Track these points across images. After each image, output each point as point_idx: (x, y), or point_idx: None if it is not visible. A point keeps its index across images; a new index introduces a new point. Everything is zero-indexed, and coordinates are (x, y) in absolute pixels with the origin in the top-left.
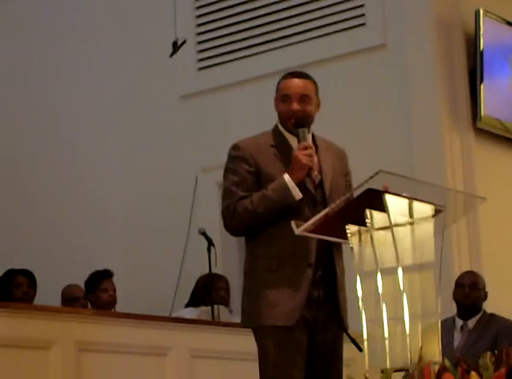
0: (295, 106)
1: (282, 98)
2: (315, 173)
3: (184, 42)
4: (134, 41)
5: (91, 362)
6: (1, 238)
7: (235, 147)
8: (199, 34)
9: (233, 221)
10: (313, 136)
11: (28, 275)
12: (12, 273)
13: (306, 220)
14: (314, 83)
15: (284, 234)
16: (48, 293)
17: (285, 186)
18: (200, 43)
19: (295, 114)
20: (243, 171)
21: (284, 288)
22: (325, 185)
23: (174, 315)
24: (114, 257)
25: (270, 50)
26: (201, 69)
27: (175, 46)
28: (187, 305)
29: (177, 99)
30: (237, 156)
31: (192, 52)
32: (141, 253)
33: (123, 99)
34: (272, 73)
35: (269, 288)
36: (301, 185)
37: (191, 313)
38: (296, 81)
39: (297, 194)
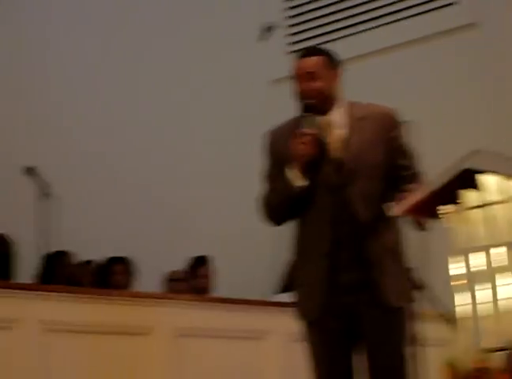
0: (300, 87)
1: (293, 79)
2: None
3: (274, 26)
4: (225, 25)
5: (190, 348)
6: (101, 226)
7: (264, 136)
8: (289, 17)
9: (262, 214)
10: (348, 106)
11: (127, 263)
12: (111, 261)
13: (324, 207)
14: (323, 55)
15: (303, 223)
16: (148, 279)
17: (286, 176)
18: (290, 26)
19: (301, 96)
20: (267, 163)
21: (304, 282)
22: (349, 166)
23: (271, 300)
24: (212, 242)
25: (359, 32)
26: (291, 52)
27: (265, 30)
28: (284, 290)
29: (267, 83)
30: (264, 147)
31: (282, 36)
32: (238, 238)
33: (214, 84)
34: (362, 55)
35: (297, 282)
36: (314, 170)
37: (289, 297)
38: (299, 62)
39: (297, 183)
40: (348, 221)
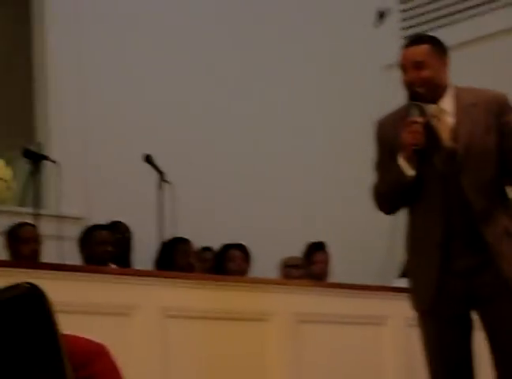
0: (407, 76)
1: (401, 69)
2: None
3: (388, 11)
4: (339, 10)
5: (308, 333)
6: (217, 213)
7: (374, 124)
8: (403, 2)
9: (374, 202)
10: (457, 93)
11: (243, 249)
12: (227, 247)
13: (436, 196)
14: (431, 43)
15: (415, 212)
16: (265, 266)
17: (396, 165)
18: (404, 11)
19: (408, 85)
20: (378, 152)
21: (417, 272)
22: (461, 154)
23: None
24: (327, 227)
25: (472, 16)
26: (404, 37)
27: (380, 16)
28: (401, 276)
29: (380, 68)
30: (374, 136)
31: (396, 21)
32: (353, 223)
33: (327, 69)
34: (474, 39)
35: (410, 272)
36: (424, 159)
37: (406, 283)
38: (406, 51)
39: (407, 172)
40: (461, 210)
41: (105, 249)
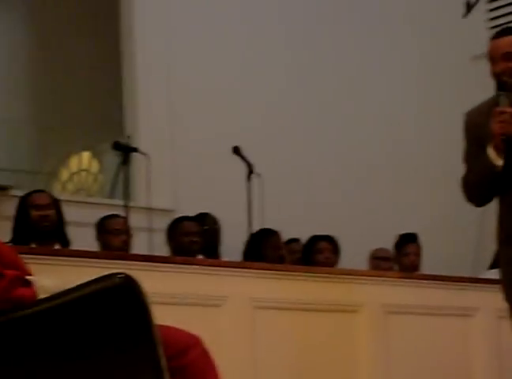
0: (496, 67)
1: (489, 60)
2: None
3: (477, 1)
4: (428, 2)
5: (397, 324)
6: (305, 205)
7: (462, 116)
8: None
9: (464, 194)
10: None
11: (331, 241)
12: (315, 239)
13: None
14: None
15: (504, 204)
16: (353, 258)
17: (485, 156)
18: (491, 1)
19: (497, 76)
20: (467, 143)
21: (506, 265)
22: None
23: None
24: (418, 218)
25: None
26: (492, 27)
27: (468, 6)
28: (492, 267)
29: (468, 59)
30: (463, 127)
31: (484, 11)
32: (444, 214)
33: (416, 61)
34: None
35: (501, 263)
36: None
37: (496, 274)
38: (496, 42)
39: (497, 162)
40: None
41: (192, 240)
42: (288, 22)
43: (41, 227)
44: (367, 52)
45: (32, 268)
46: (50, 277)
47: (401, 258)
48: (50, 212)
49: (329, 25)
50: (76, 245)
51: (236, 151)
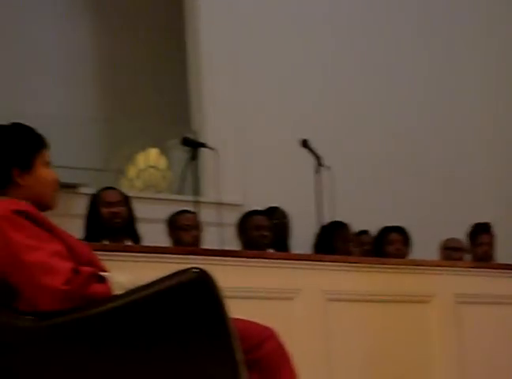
0: None
1: None
2: None
3: None
4: None
5: (469, 314)
6: (375, 196)
7: None
8: None
9: None
10: None
11: (402, 232)
12: (386, 230)
13: None
14: None
15: None
16: (425, 248)
17: None
18: None
19: None
20: None
21: None
22: None
23: None
24: (487, 208)
25: None
26: None
27: None
28: None
29: None
30: None
31: None
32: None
33: (493, 55)
34: None
35: None
36: None
37: None
38: None
39: None
40: None
41: (262, 234)
42: (359, 16)
43: (112, 224)
44: (437, 47)
45: (105, 264)
46: (124, 273)
47: (475, 248)
48: (121, 209)
49: (399, 17)
50: (146, 241)
51: (305, 144)
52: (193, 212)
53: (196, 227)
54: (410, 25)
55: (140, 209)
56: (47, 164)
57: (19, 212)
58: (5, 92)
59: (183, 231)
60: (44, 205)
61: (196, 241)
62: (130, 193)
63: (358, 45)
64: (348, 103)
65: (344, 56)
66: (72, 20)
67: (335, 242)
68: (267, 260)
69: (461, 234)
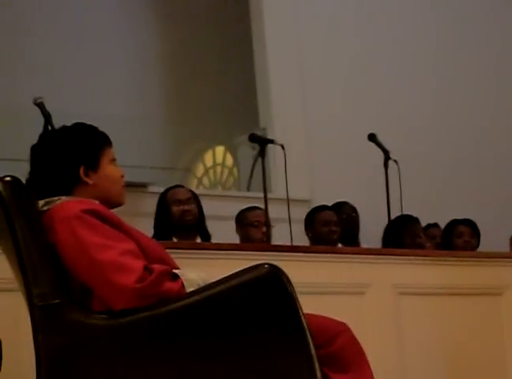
0: None
1: None
2: None
3: None
4: None
5: None
6: (443, 189)
7: None
8: None
9: None
10: None
11: (471, 225)
12: (454, 223)
13: None
14: None
15: None
16: (494, 241)
17: None
18: None
19: None
20: None
21: None
22: None
23: None
24: None
25: None
26: None
27: None
28: None
29: None
30: None
31: None
32: None
33: None
34: None
35: None
36: None
37: None
38: None
39: None
40: None
41: (331, 229)
42: (429, 7)
43: (184, 222)
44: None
45: (176, 262)
46: (195, 271)
47: None
48: (192, 207)
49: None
50: (214, 238)
51: (372, 138)
52: (262, 209)
53: (265, 223)
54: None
55: (208, 207)
56: (113, 161)
57: (89, 211)
58: (73, 94)
59: (253, 228)
60: (113, 203)
61: (265, 237)
62: (198, 191)
63: (427, 38)
64: (416, 97)
65: (412, 49)
66: (136, 19)
67: (404, 236)
68: (337, 256)
69: None
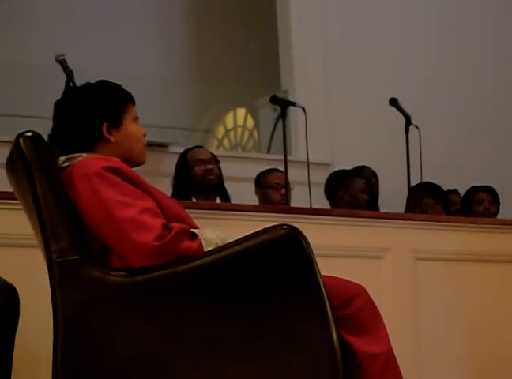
0: None
1: None
2: None
3: None
4: None
5: None
6: (464, 155)
7: None
8: None
9: None
10: None
11: (491, 192)
12: (474, 190)
13: None
14: None
15: None
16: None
17: None
18: None
19: None
20: None
21: None
22: None
23: None
24: None
25: None
26: None
27: None
28: None
29: None
30: None
31: None
32: None
33: None
34: None
35: None
36: None
37: None
38: None
39: None
40: None
41: (363, 198)
42: None
43: (206, 181)
44: None
45: (195, 222)
46: (214, 230)
47: None
48: (214, 167)
49: None
50: (234, 200)
51: (393, 102)
52: (281, 171)
53: (284, 185)
54: None
55: (228, 168)
56: (136, 120)
57: (110, 169)
58: (95, 52)
59: (272, 190)
60: (134, 161)
61: (284, 199)
62: (218, 153)
63: (444, 5)
64: (437, 62)
65: (434, 11)
66: None
67: (423, 202)
68: (356, 219)
69: None
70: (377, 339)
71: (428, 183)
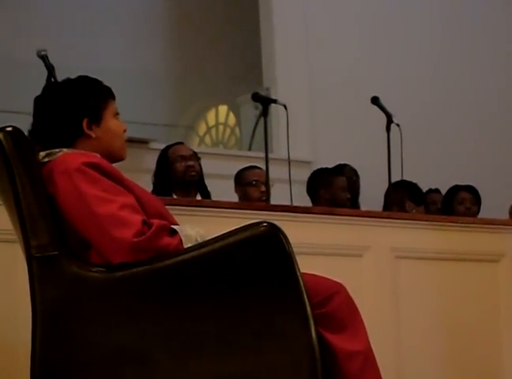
0: None
1: None
2: None
3: None
4: None
5: None
6: (444, 154)
7: None
8: None
9: None
10: None
11: (472, 192)
12: (456, 189)
13: None
14: None
15: None
16: (494, 208)
17: None
18: None
19: None
20: None
21: None
22: None
23: None
24: None
25: None
26: None
27: None
28: None
29: None
30: None
31: None
32: None
33: None
34: None
35: None
36: None
37: None
38: None
39: None
40: None
41: (347, 196)
42: None
43: (187, 177)
44: None
45: (175, 218)
46: (194, 227)
47: None
48: (195, 163)
49: None
50: (214, 197)
51: (375, 101)
52: (261, 168)
53: (263, 182)
54: None
55: (209, 165)
56: (116, 116)
57: (90, 164)
58: (76, 47)
59: (251, 187)
60: (114, 157)
61: (263, 197)
62: (200, 150)
63: (425, 3)
64: (418, 61)
65: (417, 11)
66: None
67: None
68: (336, 217)
69: None
70: (356, 337)
71: (407, 182)
